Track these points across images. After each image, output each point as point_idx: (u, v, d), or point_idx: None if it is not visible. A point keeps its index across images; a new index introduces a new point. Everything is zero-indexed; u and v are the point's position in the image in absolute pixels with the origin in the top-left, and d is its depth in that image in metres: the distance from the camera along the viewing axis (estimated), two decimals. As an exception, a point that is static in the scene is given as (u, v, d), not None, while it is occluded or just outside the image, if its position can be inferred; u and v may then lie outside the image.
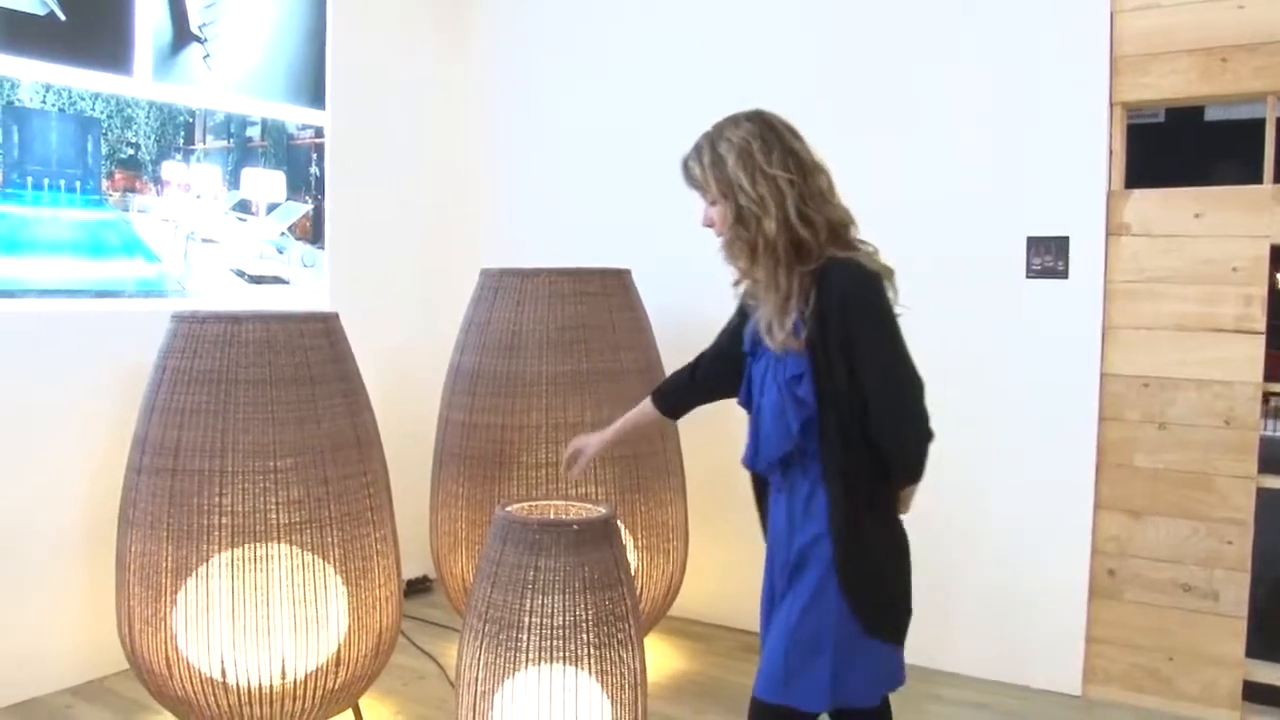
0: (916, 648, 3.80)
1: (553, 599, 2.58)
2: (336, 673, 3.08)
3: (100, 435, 3.67)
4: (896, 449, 2.11)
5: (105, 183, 3.73)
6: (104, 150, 3.72)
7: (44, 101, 3.54)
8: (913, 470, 2.16)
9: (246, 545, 2.95)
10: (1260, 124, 3.39)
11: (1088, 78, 3.58)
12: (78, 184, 3.66)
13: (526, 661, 2.58)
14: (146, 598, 2.97)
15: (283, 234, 4.33)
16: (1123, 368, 3.59)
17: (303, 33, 4.38)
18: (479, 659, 2.64)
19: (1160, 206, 3.52)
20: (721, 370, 2.44)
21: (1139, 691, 3.60)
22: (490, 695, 2.61)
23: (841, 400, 2.07)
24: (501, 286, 3.77)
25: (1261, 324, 3.40)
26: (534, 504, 2.92)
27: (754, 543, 4.29)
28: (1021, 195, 3.70)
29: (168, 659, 2.97)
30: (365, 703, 3.40)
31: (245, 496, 2.95)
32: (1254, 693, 3.48)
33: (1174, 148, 4.13)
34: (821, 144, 4.14)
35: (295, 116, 4.36)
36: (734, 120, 2.20)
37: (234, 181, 4.15)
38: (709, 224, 2.22)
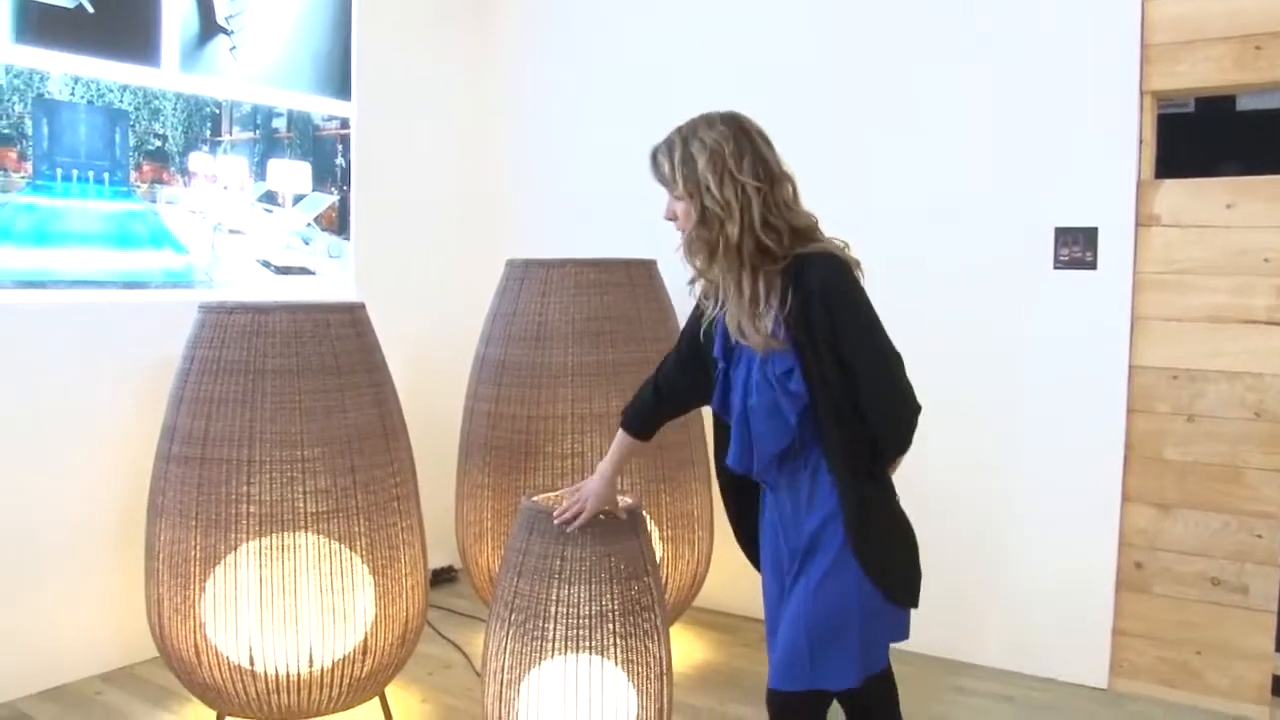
0: (942, 639, 3.82)
1: (579, 589, 2.58)
2: (363, 661, 3.10)
3: (128, 425, 3.70)
4: (890, 425, 2.15)
5: (133, 174, 3.75)
6: (132, 142, 3.74)
7: (73, 94, 3.56)
8: (903, 442, 2.18)
9: (274, 534, 2.96)
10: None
11: (1118, 66, 3.54)
12: (106, 175, 3.68)
13: (552, 651, 2.59)
14: (175, 586, 3.00)
15: (309, 225, 4.35)
16: (1152, 359, 3.57)
17: (328, 24, 4.39)
18: (505, 648, 2.65)
19: (1191, 197, 3.49)
20: (688, 381, 2.43)
21: (1166, 685, 3.58)
22: (516, 684, 2.62)
23: (832, 386, 2.09)
24: (527, 277, 3.77)
25: (1293, 315, 3.37)
26: (560, 494, 2.92)
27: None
28: (1050, 185, 3.68)
29: (196, 647, 2.99)
30: (391, 691, 3.41)
31: (273, 486, 2.97)
32: (1284, 687, 3.46)
33: (1204, 138, 4.07)
34: (846, 135, 4.13)
35: (321, 108, 4.37)
36: (708, 120, 2.21)
37: (260, 173, 4.16)
38: (671, 218, 2.24)
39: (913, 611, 2.24)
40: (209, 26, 3.95)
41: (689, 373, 2.42)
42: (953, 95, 3.86)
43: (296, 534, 2.98)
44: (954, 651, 3.88)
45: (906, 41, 3.94)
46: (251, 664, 2.98)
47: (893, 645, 2.27)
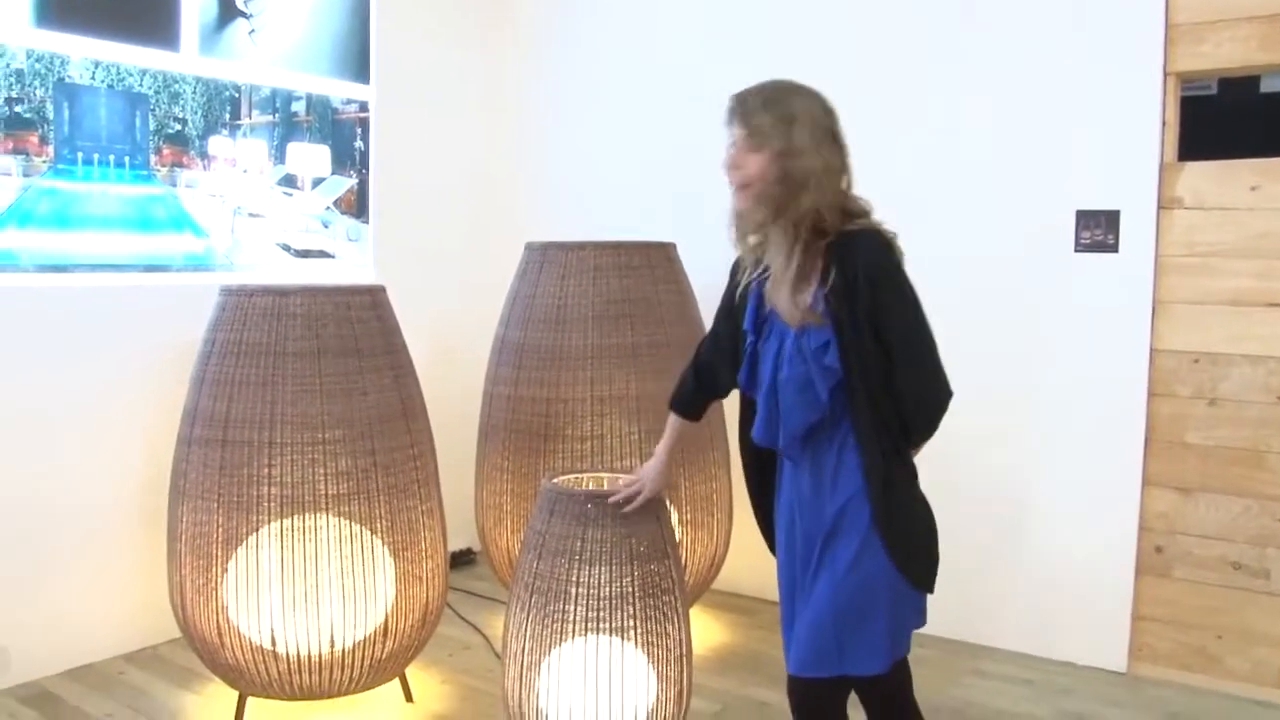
0: (961, 622, 3.82)
1: (599, 570, 2.59)
2: (384, 643, 3.12)
3: (150, 408, 3.72)
4: (922, 407, 2.14)
5: (153, 158, 3.76)
6: (152, 126, 3.75)
7: (93, 78, 3.57)
8: (932, 426, 2.18)
9: (295, 516, 2.98)
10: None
11: (1142, 47, 3.51)
12: (126, 159, 3.69)
13: (573, 632, 2.60)
14: (198, 567, 3.02)
15: (328, 208, 4.36)
16: (1173, 343, 3.55)
17: (347, 7, 4.39)
18: (525, 630, 2.66)
19: (1214, 179, 3.46)
20: (725, 362, 2.43)
21: (1186, 670, 3.57)
22: (536, 666, 2.63)
23: (868, 363, 2.09)
24: (546, 260, 3.77)
25: (1318, 298, 3.35)
26: (580, 476, 2.93)
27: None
28: (1071, 168, 3.65)
29: (219, 628, 3.01)
30: (412, 672, 3.43)
31: (294, 467, 2.98)
32: (1305, 672, 3.44)
33: (1227, 119, 4.05)
34: (868, 116, 4.11)
35: (340, 91, 4.37)
36: (798, 88, 2.19)
37: (279, 156, 4.17)
38: (736, 167, 2.17)
39: (931, 595, 2.24)
40: (228, 10, 3.95)
41: (725, 354, 2.41)
42: (974, 77, 3.83)
43: (317, 516, 3.00)
44: (973, 634, 3.87)
45: (927, 23, 3.91)
46: (273, 645, 3.00)
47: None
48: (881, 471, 2.12)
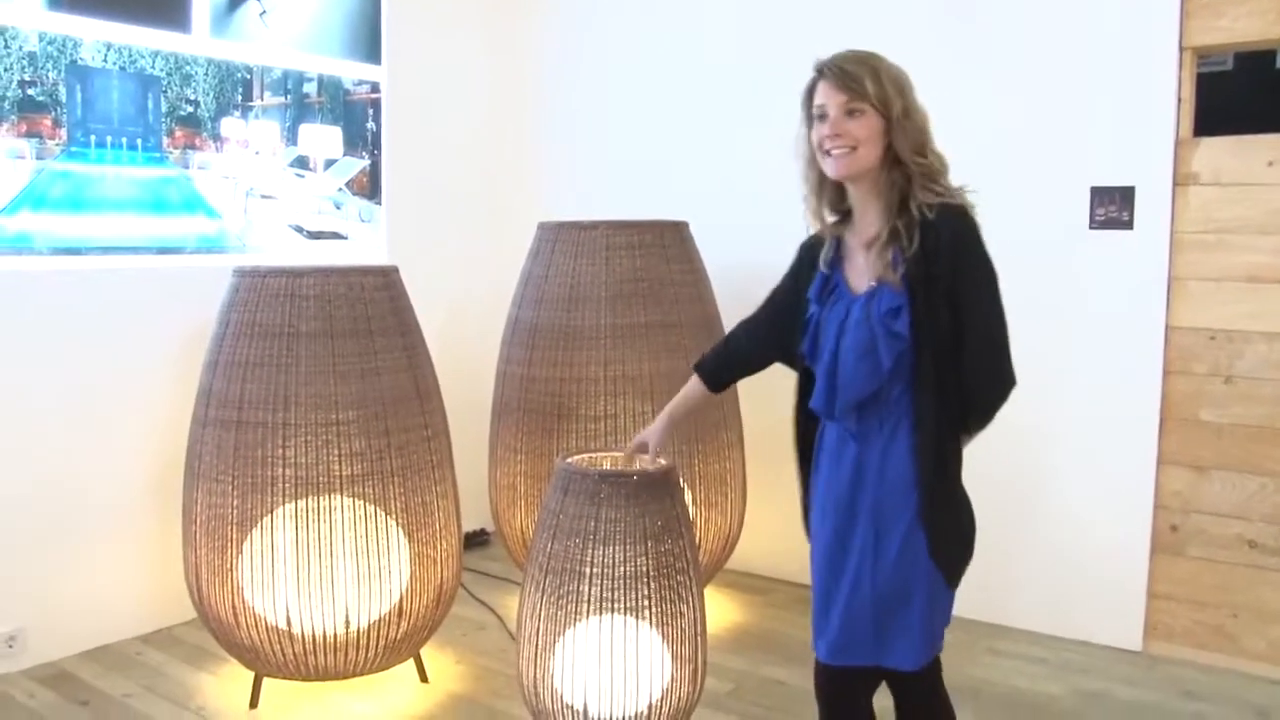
0: (977, 601, 3.81)
1: (613, 550, 2.59)
2: (398, 623, 3.13)
3: (165, 389, 3.73)
4: (984, 391, 2.09)
5: (166, 140, 3.76)
6: (164, 108, 3.75)
7: (105, 60, 3.57)
8: (990, 412, 2.13)
9: (310, 497, 2.99)
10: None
11: (1158, 21, 3.48)
12: (139, 141, 3.69)
13: (587, 612, 2.60)
14: (213, 548, 3.03)
15: (340, 189, 4.35)
16: (1189, 320, 3.53)
17: (358, -12, 4.38)
18: (540, 610, 2.66)
19: (1230, 155, 3.43)
20: (770, 334, 2.40)
21: (1201, 648, 3.56)
22: (551, 645, 2.63)
23: (938, 335, 2.04)
24: (559, 240, 3.76)
25: (1335, 275, 3.32)
26: (593, 455, 2.93)
27: (811, 497, 4.28)
28: (1085, 144, 3.63)
29: (234, 608, 3.03)
30: (426, 653, 3.44)
31: (308, 448, 2.99)
32: (1321, 650, 3.43)
33: (1243, 96, 4.01)
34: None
35: (351, 72, 4.36)
36: (881, 55, 2.16)
37: (292, 138, 4.17)
38: (839, 134, 2.09)
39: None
40: (239, -9, 3.95)
41: (775, 325, 2.39)
42: (987, 52, 3.81)
43: (332, 497, 3.01)
44: (989, 613, 3.87)
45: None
46: (288, 625, 3.01)
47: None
48: (934, 458, 2.07)
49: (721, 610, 4.01)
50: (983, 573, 3.83)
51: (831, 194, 2.23)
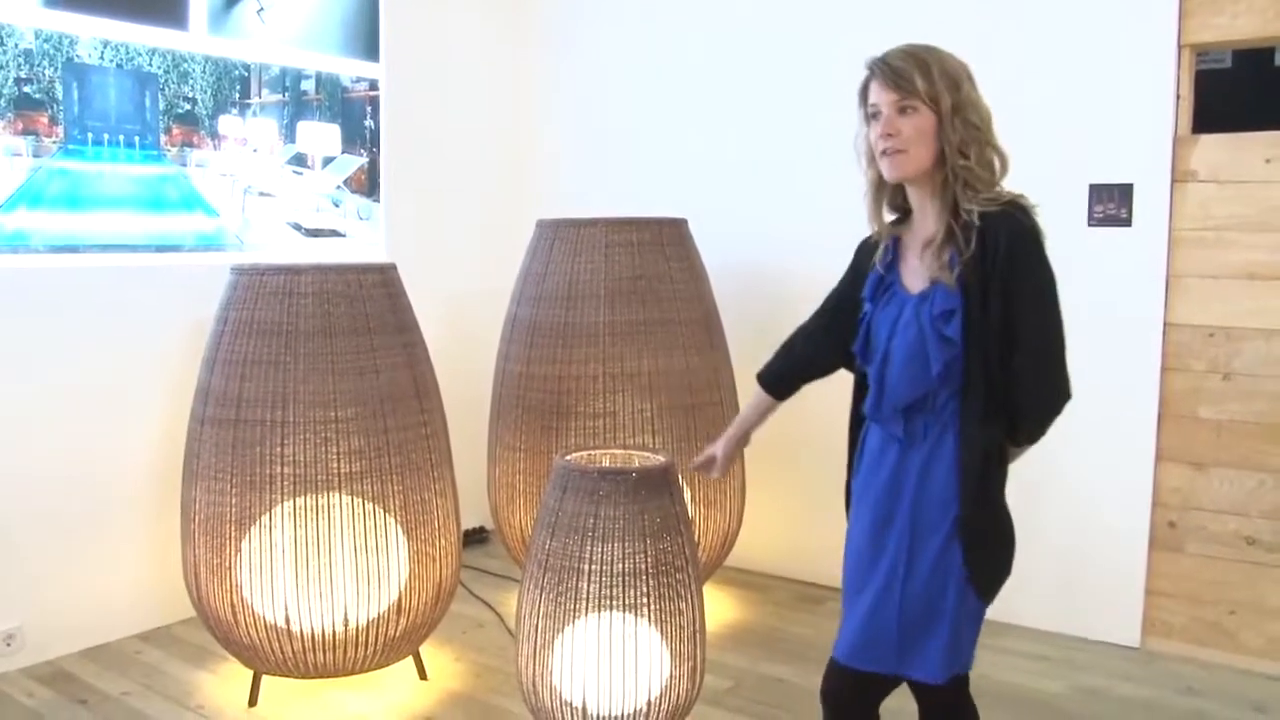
0: (974, 599, 3.81)
1: (612, 547, 2.59)
2: (397, 621, 3.13)
3: (162, 387, 3.72)
4: (1037, 403, 2.01)
5: (163, 137, 3.76)
6: (161, 105, 3.74)
7: (102, 58, 3.56)
8: (1042, 426, 2.05)
9: (308, 495, 2.99)
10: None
11: (1156, 18, 3.48)
12: (136, 139, 3.69)
13: (586, 610, 2.60)
14: (211, 547, 3.03)
15: (338, 187, 4.35)
16: (1187, 317, 3.53)
17: (355, -15, 4.38)
18: (538, 607, 2.66)
19: (1228, 152, 3.43)
20: (831, 338, 2.33)
21: (1199, 645, 3.57)
22: (550, 643, 2.64)
23: (990, 344, 1.97)
24: (558, 237, 3.76)
25: (1333, 272, 3.32)
26: (592, 453, 2.93)
27: (810, 494, 4.30)
28: (1084, 141, 3.63)
29: (233, 607, 3.03)
30: (425, 650, 3.44)
31: (306, 446, 2.99)
32: (1319, 646, 3.44)
33: (1242, 93, 4.02)
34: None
35: (349, 69, 4.36)
36: (937, 49, 2.07)
37: (290, 135, 4.16)
38: (892, 133, 2.01)
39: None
40: (236, -12, 3.94)
41: (834, 326, 2.32)
42: (985, 49, 3.79)
43: (330, 495, 3.01)
44: (988, 610, 3.86)
45: (939, -4, 3.89)
46: (287, 624, 3.01)
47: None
48: (979, 470, 2.00)
49: (720, 608, 4.01)
50: (981, 570, 3.84)
51: (892, 193, 2.16)
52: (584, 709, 2.64)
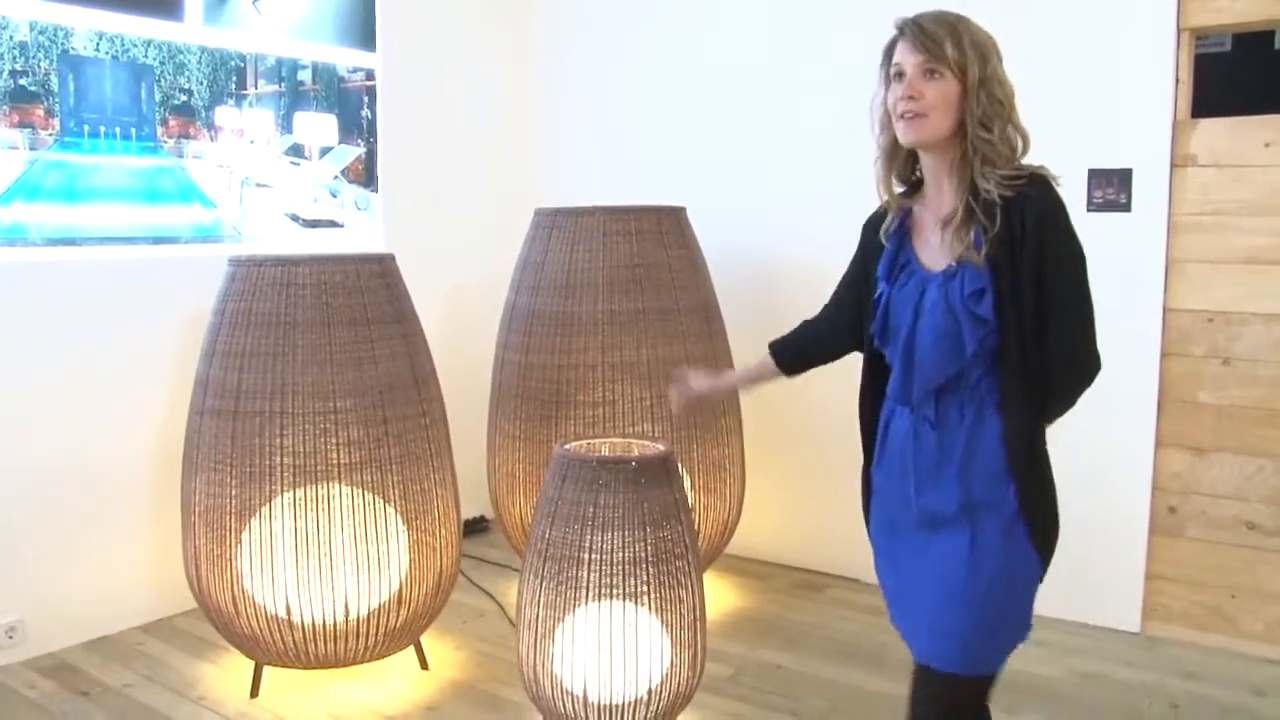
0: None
1: (612, 536, 2.60)
2: (398, 611, 3.13)
3: (161, 379, 3.72)
4: (1069, 376, 1.98)
5: (160, 129, 3.75)
6: (158, 97, 3.73)
7: (98, 49, 3.55)
8: (1073, 398, 2.03)
9: (308, 486, 2.99)
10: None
11: (1155, 2, 3.46)
12: (133, 131, 3.68)
13: (586, 598, 2.60)
14: (212, 538, 3.03)
15: (336, 177, 4.34)
16: (1187, 302, 3.52)
17: (351, -26, 4.36)
18: (539, 596, 2.66)
19: (1228, 136, 3.42)
20: (846, 323, 2.25)
21: (1200, 629, 3.57)
22: (550, 631, 2.64)
23: (1025, 317, 1.91)
24: (556, 226, 3.76)
25: (1333, 255, 3.32)
26: (592, 442, 2.93)
27: (810, 482, 4.31)
28: (1083, 126, 3.61)
29: (234, 598, 3.03)
30: (426, 640, 3.45)
31: (306, 437, 2.99)
32: (1319, 630, 3.44)
33: (1241, 77, 4.01)
34: (871, 74, 4.06)
35: (346, 59, 4.35)
36: (968, 19, 2.00)
37: (286, 126, 4.15)
38: (914, 96, 1.94)
39: None
40: (232, -22, 3.93)
41: (847, 310, 2.25)
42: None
43: (330, 485, 3.01)
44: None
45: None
46: (288, 614, 3.02)
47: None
48: (1026, 443, 1.96)
49: (721, 595, 4.01)
50: (981, 556, 3.84)
51: (903, 162, 2.09)
52: (585, 697, 2.64)
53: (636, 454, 2.79)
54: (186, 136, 3.82)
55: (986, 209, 1.92)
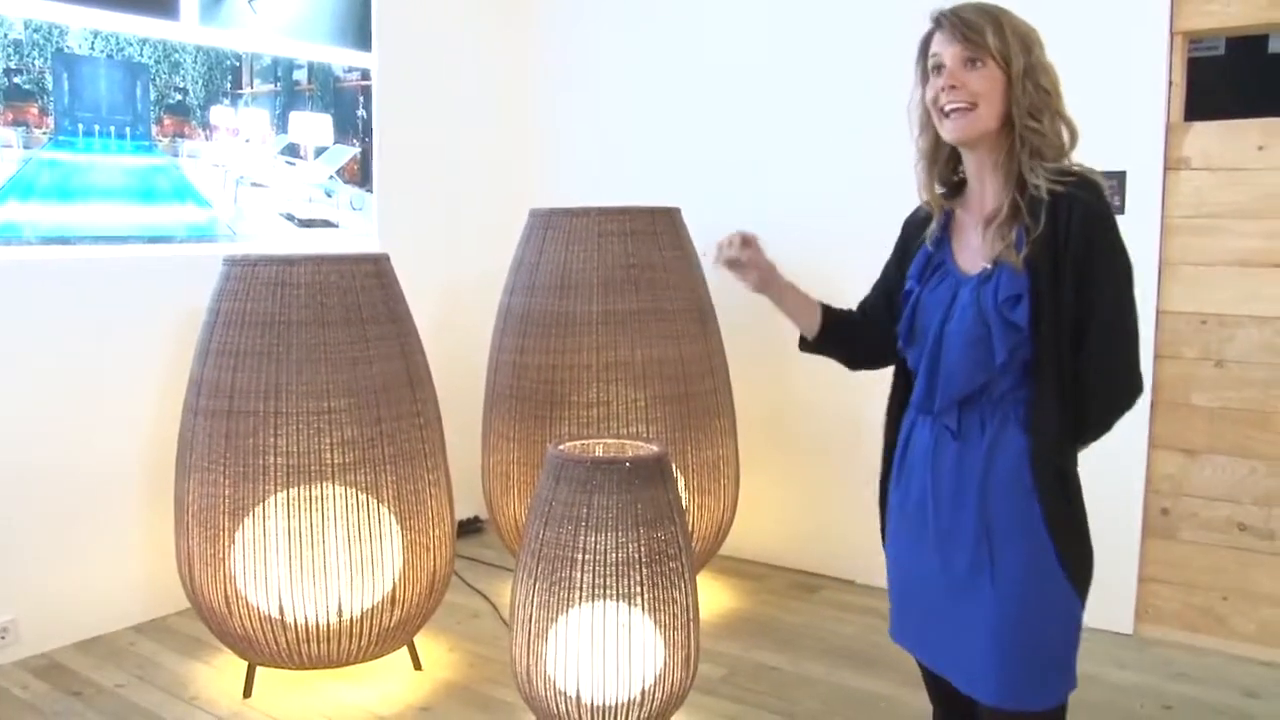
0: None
1: (606, 536, 2.59)
2: (392, 611, 3.13)
3: (155, 379, 3.72)
4: (1106, 394, 1.85)
5: (155, 128, 3.75)
6: (153, 96, 3.73)
7: (93, 48, 3.55)
8: (1110, 419, 1.89)
9: (302, 486, 2.99)
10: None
11: (1148, 5, 3.47)
12: (128, 130, 3.67)
13: (580, 599, 2.60)
14: (205, 538, 3.03)
15: (331, 177, 4.34)
16: (1180, 305, 3.53)
17: (347, -26, 4.36)
18: (533, 597, 2.66)
19: (1221, 139, 3.43)
20: (875, 315, 2.14)
21: (1192, 631, 3.58)
22: (544, 632, 2.64)
23: (1063, 327, 1.79)
24: (550, 226, 3.76)
25: (1326, 259, 3.33)
26: (586, 442, 2.93)
27: (805, 483, 4.31)
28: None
29: (227, 598, 3.03)
30: (420, 640, 3.44)
31: (300, 437, 2.98)
32: (1311, 632, 3.45)
33: (1235, 80, 4.02)
34: (871, 76, 4.07)
35: (341, 59, 4.34)
36: (1008, 9, 1.90)
37: (282, 125, 4.15)
38: (956, 87, 1.84)
39: None
40: (227, -22, 3.93)
41: (877, 309, 2.14)
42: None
43: (324, 485, 3.01)
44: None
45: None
46: (281, 614, 3.01)
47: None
48: (1055, 465, 1.83)
49: (714, 596, 4.01)
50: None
51: (945, 162, 1.99)
52: (578, 698, 2.64)
53: (630, 455, 2.79)
54: (181, 135, 3.82)
55: (1032, 207, 1.81)
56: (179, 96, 3.80)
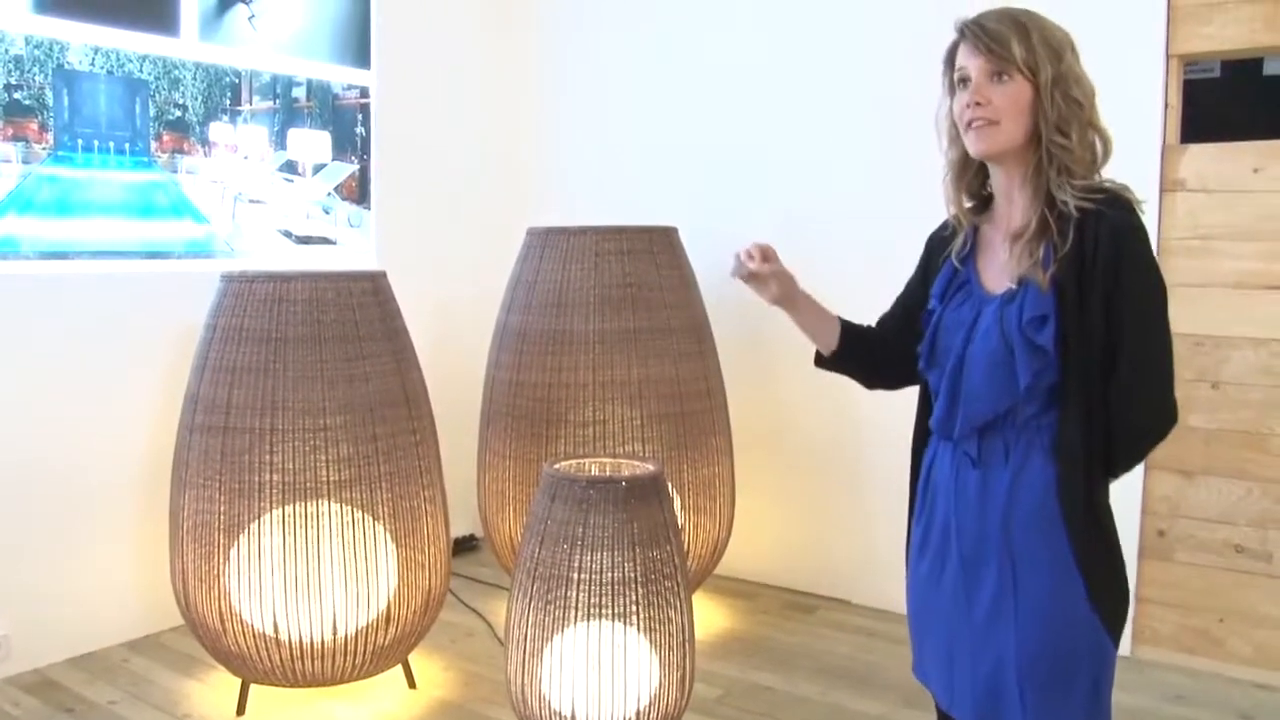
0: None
1: (601, 556, 2.59)
2: (386, 629, 3.12)
3: (152, 395, 3.72)
4: (1137, 428, 1.77)
5: (154, 144, 3.75)
6: (152, 112, 3.74)
7: (93, 64, 3.56)
8: (1142, 449, 1.83)
9: (297, 503, 2.98)
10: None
11: (1144, 28, 3.49)
12: (127, 146, 3.68)
13: (575, 618, 2.60)
14: (200, 555, 3.02)
15: (329, 194, 4.35)
16: (1176, 326, 3.44)
17: (347, -8, 4.38)
18: (528, 616, 2.66)
19: (1217, 161, 3.44)
20: (893, 326, 2.07)
21: (1189, 653, 3.57)
22: (539, 652, 2.63)
23: (1091, 350, 1.72)
24: (548, 245, 3.76)
25: (1323, 281, 3.33)
26: (581, 461, 2.93)
27: (801, 502, 4.31)
28: (1074, 151, 3.63)
29: (221, 615, 3.02)
30: (415, 659, 3.43)
31: (295, 454, 2.98)
32: (1308, 654, 3.44)
33: (1230, 102, 4.04)
34: (866, 94, 4.08)
35: (340, 77, 4.36)
36: (1038, 14, 1.82)
37: (280, 142, 4.16)
38: (981, 102, 1.77)
39: None
40: (227, -5, 3.94)
41: (902, 324, 2.05)
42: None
43: (319, 502, 3.00)
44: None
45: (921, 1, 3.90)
46: (276, 632, 3.00)
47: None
48: (1083, 496, 1.75)
49: (710, 616, 4.00)
50: (971, 578, 3.83)
51: (973, 176, 1.93)
52: (573, 717, 2.63)
53: (626, 474, 2.79)
54: (180, 152, 3.83)
55: (1061, 224, 1.74)
56: (178, 113, 3.81)
